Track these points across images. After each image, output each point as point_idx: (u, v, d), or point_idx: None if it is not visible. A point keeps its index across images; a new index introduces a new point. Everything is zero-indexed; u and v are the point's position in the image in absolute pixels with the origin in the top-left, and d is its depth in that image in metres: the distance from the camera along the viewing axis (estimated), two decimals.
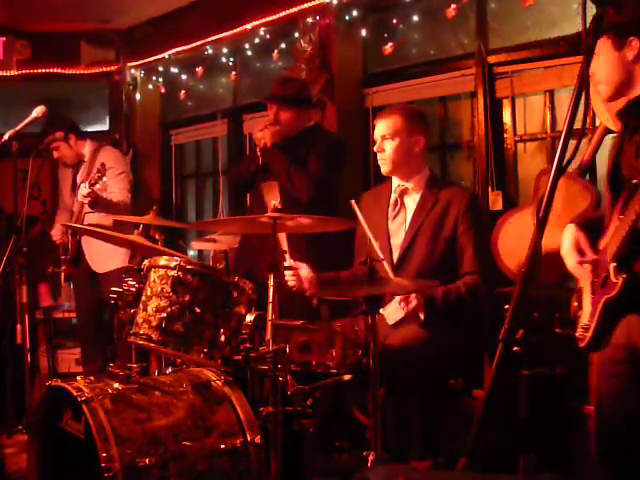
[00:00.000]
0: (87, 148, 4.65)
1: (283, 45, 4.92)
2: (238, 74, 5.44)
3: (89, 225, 4.26)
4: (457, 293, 2.98)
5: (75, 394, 2.30)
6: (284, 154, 3.75)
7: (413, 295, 2.89)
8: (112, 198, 4.34)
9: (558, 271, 3.36)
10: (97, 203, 4.16)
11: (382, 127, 3.16)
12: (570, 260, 2.35)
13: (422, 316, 2.93)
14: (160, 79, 6.07)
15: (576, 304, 2.42)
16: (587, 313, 2.29)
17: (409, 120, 3.14)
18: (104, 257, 4.44)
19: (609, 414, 2.21)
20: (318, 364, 2.61)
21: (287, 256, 3.11)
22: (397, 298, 2.94)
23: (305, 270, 3.14)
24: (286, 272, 3.08)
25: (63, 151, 4.62)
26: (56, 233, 4.73)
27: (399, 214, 3.20)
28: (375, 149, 3.20)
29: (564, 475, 3.05)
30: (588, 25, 1.77)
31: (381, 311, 3.04)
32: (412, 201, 3.18)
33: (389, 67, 4.62)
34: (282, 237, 3.06)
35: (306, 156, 3.74)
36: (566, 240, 2.42)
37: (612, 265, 2.12)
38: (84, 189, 4.03)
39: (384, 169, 3.20)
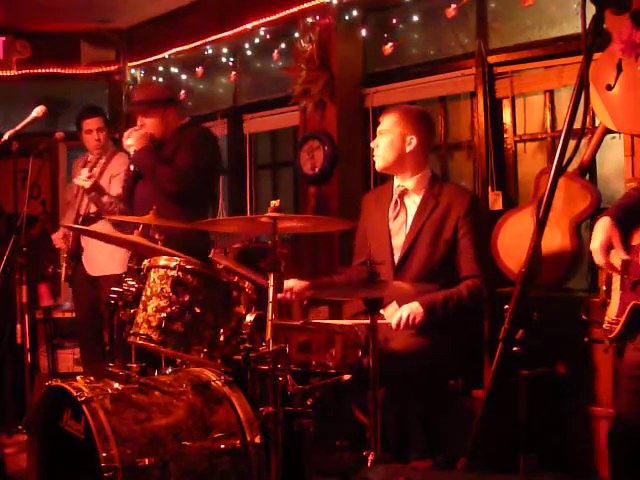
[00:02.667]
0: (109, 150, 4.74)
1: (283, 45, 4.91)
2: (238, 74, 5.43)
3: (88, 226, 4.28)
4: (459, 298, 2.98)
5: (75, 394, 2.30)
6: (152, 154, 3.88)
7: (412, 316, 2.86)
8: (111, 192, 4.44)
9: (558, 271, 3.37)
10: (96, 188, 4.34)
11: (382, 123, 3.21)
12: (599, 258, 2.30)
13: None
14: (160, 79, 6.06)
15: (604, 289, 2.39)
16: (615, 306, 2.29)
17: (405, 119, 3.15)
18: (99, 261, 4.44)
19: (627, 414, 2.21)
20: (318, 364, 2.61)
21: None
22: (400, 309, 2.93)
23: (297, 284, 3.13)
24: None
25: (104, 139, 4.70)
26: (57, 238, 4.73)
27: (399, 215, 3.20)
28: (371, 144, 3.25)
29: (564, 475, 3.05)
30: (588, 25, 1.77)
31: (381, 312, 3.04)
32: (412, 202, 3.18)
33: (389, 67, 4.62)
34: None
35: (176, 153, 3.86)
36: (598, 235, 2.34)
37: None
38: (84, 173, 4.36)
39: (376, 164, 3.25)
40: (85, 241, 4.49)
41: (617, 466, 2.28)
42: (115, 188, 4.47)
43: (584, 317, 2.54)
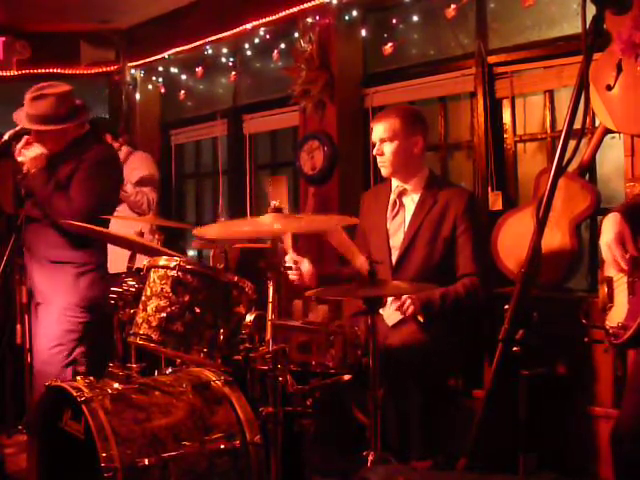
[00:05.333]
0: (122, 152, 4.80)
1: (283, 45, 4.91)
2: (238, 74, 5.44)
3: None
4: (456, 295, 2.98)
5: (75, 394, 2.30)
6: (47, 182, 3.35)
7: (409, 301, 2.88)
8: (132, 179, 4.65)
9: (558, 271, 3.37)
10: None
11: (380, 130, 3.16)
12: (612, 251, 2.26)
13: (421, 318, 2.93)
14: (160, 79, 6.07)
15: (606, 293, 2.36)
16: (622, 311, 2.25)
17: (407, 121, 3.14)
18: (114, 258, 4.45)
19: (633, 416, 2.20)
20: (318, 364, 2.61)
21: (290, 251, 3.11)
22: (393, 303, 2.94)
23: (306, 265, 3.15)
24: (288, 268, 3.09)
25: None
26: None
27: (398, 214, 3.20)
28: (374, 152, 3.20)
29: (564, 475, 3.06)
30: (588, 25, 1.77)
31: (380, 311, 3.05)
32: (411, 201, 3.18)
33: (389, 67, 4.62)
34: (287, 236, 3.06)
35: (72, 179, 3.38)
36: (608, 230, 2.29)
37: None
38: None
39: (384, 172, 3.20)
40: None
41: (619, 467, 2.28)
42: (136, 176, 4.71)
43: (583, 321, 2.51)
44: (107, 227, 3.41)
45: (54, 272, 3.45)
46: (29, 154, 3.39)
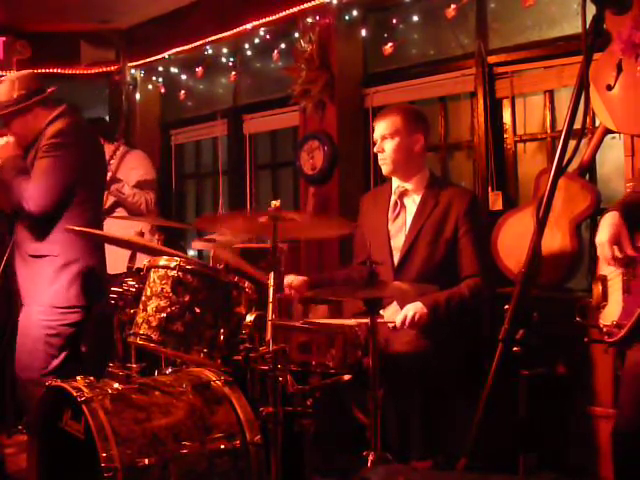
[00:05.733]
0: (119, 151, 4.80)
1: (283, 45, 4.92)
2: (238, 74, 5.44)
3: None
4: (461, 297, 2.97)
5: (75, 394, 2.30)
6: (16, 168, 3.18)
7: (418, 315, 2.85)
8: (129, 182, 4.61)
9: (558, 271, 3.37)
10: (113, 179, 4.49)
11: (381, 127, 3.16)
12: (605, 251, 2.27)
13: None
14: (160, 79, 6.06)
15: (600, 292, 2.36)
16: (616, 310, 2.26)
17: (408, 119, 3.14)
18: (113, 259, 4.44)
19: (633, 415, 2.21)
20: (318, 364, 2.61)
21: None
22: (405, 308, 2.92)
23: (295, 279, 3.14)
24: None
25: None
26: None
27: (399, 216, 3.19)
28: (375, 150, 3.20)
29: (564, 475, 3.06)
30: (588, 25, 1.77)
31: (381, 312, 3.04)
32: (412, 202, 3.18)
33: (389, 67, 4.62)
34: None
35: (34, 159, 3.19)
36: (605, 228, 2.32)
37: None
38: None
39: (385, 169, 3.19)
40: None
41: (620, 467, 2.28)
42: (134, 179, 4.65)
43: (578, 319, 2.50)
44: (99, 209, 3.37)
45: (34, 267, 3.23)
46: None
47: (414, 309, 2.86)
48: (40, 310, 3.19)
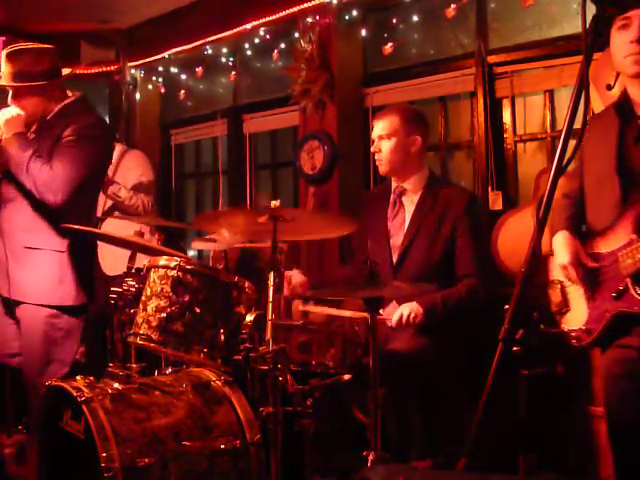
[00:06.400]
0: (118, 151, 4.76)
1: (283, 45, 4.92)
2: (238, 74, 5.44)
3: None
4: (458, 297, 2.97)
5: (75, 394, 2.30)
6: (26, 147, 2.95)
7: (413, 314, 2.86)
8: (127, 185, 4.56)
9: None
10: (110, 182, 4.41)
11: (379, 127, 3.16)
12: (571, 274, 2.32)
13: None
14: (160, 79, 6.07)
15: (560, 298, 2.39)
16: (582, 315, 2.29)
17: (406, 120, 3.14)
18: (115, 260, 4.44)
19: (618, 414, 2.21)
20: (318, 364, 2.61)
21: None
22: (400, 307, 2.93)
23: (297, 276, 3.14)
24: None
25: None
26: None
27: (398, 215, 3.20)
28: (372, 149, 3.20)
29: (564, 475, 3.05)
30: (588, 25, 1.77)
31: (381, 312, 3.04)
32: (411, 202, 3.18)
33: (389, 67, 4.63)
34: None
35: (58, 149, 2.98)
36: (562, 251, 2.38)
37: (629, 281, 2.13)
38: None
39: (382, 169, 3.19)
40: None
41: (620, 464, 2.29)
42: (131, 181, 4.60)
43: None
44: (95, 208, 3.24)
45: (30, 261, 2.99)
46: (3, 116, 2.97)
47: (409, 308, 2.87)
48: (49, 311, 3.00)
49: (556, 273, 2.40)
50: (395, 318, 2.87)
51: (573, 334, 2.32)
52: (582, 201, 2.45)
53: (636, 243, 2.14)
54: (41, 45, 3.10)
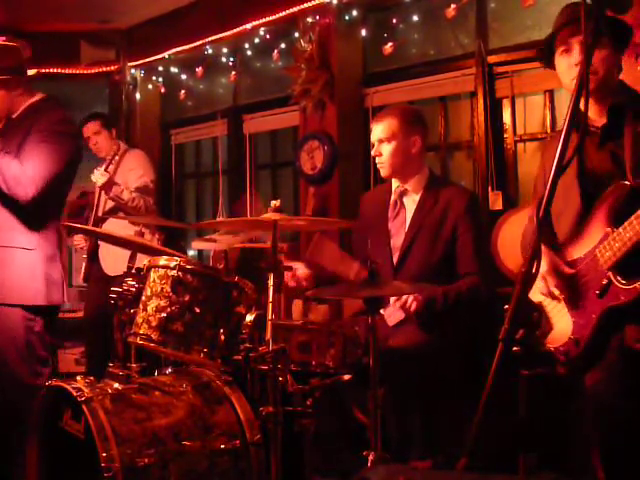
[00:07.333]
0: (120, 150, 4.77)
1: (283, 45, 4.92)
2: (238, 74, 5.44)
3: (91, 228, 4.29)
4: (457, 293, 2.98)
5: (75, 394, 2.30)
6: None
7: (412, 299, 2.87)
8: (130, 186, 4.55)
9: None
10: (112, 183, 4.41)
11: (378, 130, 3.15)
12: (550, 282, 2.30)
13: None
14: (160, 79, 6.07)
15: (542, 320, 2.39)
16: (566, 329, 2.27)
17: (405, 121, 3.13)
18: (116, 261, 4.44)
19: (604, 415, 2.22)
20: (318, 364, 2.61)
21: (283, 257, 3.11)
22: (397, 303, 2.93)
23: (302, 268, 3.14)
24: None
25: (102, 140, 4.73)
26: (79, 238, 4.79)
27: (399, 215, 3.19)
28: (372, 153, 3.19)
29: (564, 475, 3.05)
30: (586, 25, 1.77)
31: (381, 311, 3.04)
32: (411, 202, 3.18)
33: (389, 67, 4.63)
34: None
35: (26, 146, 2.90)
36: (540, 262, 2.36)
37: (611, 274, 2.13)
38: (99, 170, 4.39)
39: (383, 172, 3.19)
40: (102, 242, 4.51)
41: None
42: (133, 181, 4.59)
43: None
44: (63, 204, 3.14)
45: (3, 260, 2.92)
46: None
47: (410, 295, 2.87)
48: (22, 312, 2.92)
49: (534, 296, 2.39)
50: (398, 303, 2.87)
51: (561, 349, 2.30)
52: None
53: (612, 234, 2.14)
54: (6, 42, 3.08)
